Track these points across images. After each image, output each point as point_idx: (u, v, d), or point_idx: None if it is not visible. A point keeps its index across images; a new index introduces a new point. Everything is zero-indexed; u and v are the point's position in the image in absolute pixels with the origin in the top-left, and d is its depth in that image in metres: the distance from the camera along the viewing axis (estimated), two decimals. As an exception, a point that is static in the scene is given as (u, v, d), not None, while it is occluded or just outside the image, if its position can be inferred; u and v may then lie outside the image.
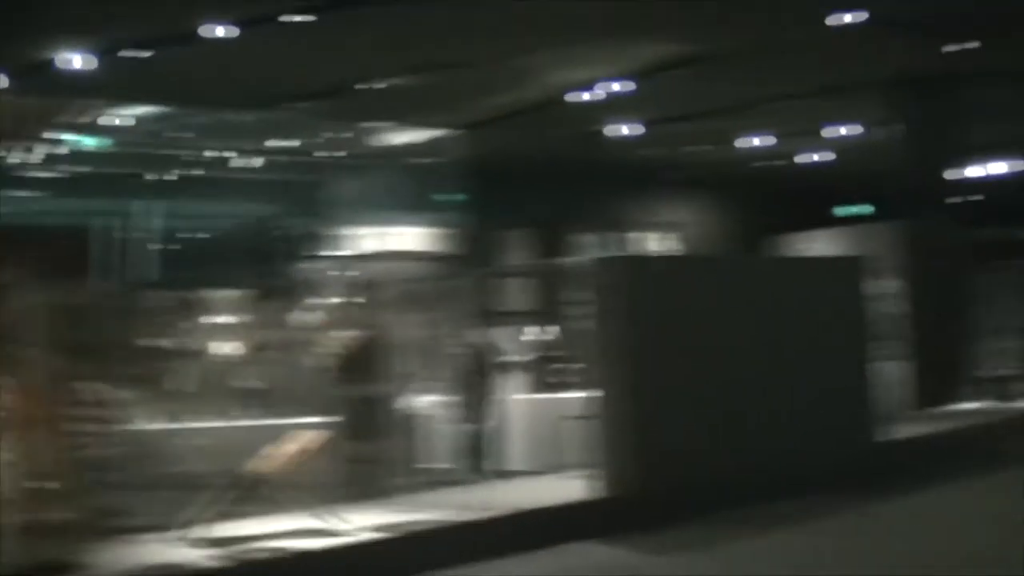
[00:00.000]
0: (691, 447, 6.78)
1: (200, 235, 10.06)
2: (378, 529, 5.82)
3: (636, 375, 6.63)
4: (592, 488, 6.59)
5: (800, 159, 17.77)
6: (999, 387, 10.57)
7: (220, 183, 9.89)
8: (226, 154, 9.97)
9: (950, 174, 12.52)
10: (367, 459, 6.95)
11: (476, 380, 8.41)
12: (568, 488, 6.75)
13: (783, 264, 9.38)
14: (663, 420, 6.69)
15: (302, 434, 6.37)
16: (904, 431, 8.43)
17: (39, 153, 8.89)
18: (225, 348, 7.84)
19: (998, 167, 17.60)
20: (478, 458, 8.06)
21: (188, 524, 5.75)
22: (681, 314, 6.87)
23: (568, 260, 14.94)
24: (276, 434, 6.33)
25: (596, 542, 6.09)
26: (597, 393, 6.75)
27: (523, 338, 9.27)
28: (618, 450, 6.55)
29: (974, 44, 11.07)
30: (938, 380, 10.94)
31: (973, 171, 16.92)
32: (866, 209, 21.21)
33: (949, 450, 8.56)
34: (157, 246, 9.33)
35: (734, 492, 6.71)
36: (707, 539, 6.10)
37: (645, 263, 8.89)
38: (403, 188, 10.45)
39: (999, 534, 6.34)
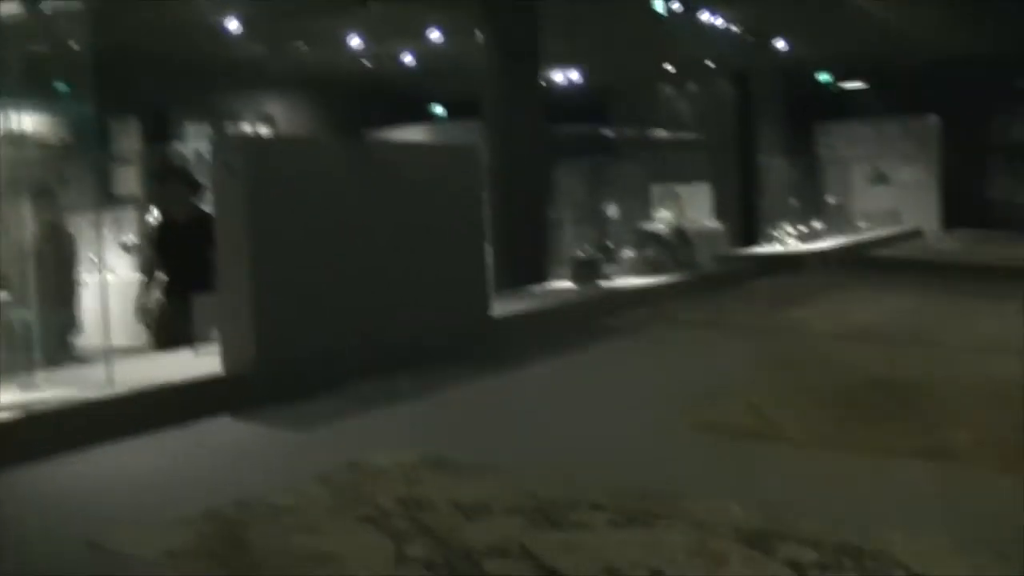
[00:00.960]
0: (313, 325, 7.11)
1: None
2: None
3: (254, 255, 6.79)
4: (215, 365, 6.83)
5: (396, 60, 18.64)
6: (582, 269, 11.87)
7: None
8: None
9: (535, 78, 13.51)
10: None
11: (65, 263, 8.71)
12: (190, 366, 6.93)
13: (403, 150, 9.95)
14: (283, 297, 6.94)
15: None
16: (508, 309, 9.42)
17: None
18: None
19: (573, 74, 19.90)
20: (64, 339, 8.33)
21: None
22: (299, 195, 7.10)
23: (178, 146, 15.04)
24: None
25: (226, 418, 6.38)
26: (219, 273, 6.91)
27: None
28: (239, 328, 6.76)
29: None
30: (529, 262, 12.00)
31: (554, 76, 18.97)
32: (442, 110, 22.63)
33: (549, 325, 9.71)
34: None
35: (356, 368, 7.17)
36: (334, 411, 6.54)
37: (262, 144, 9.14)
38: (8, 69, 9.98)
39: (604, 393, 7.52)
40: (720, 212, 17.93)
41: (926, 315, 11.75)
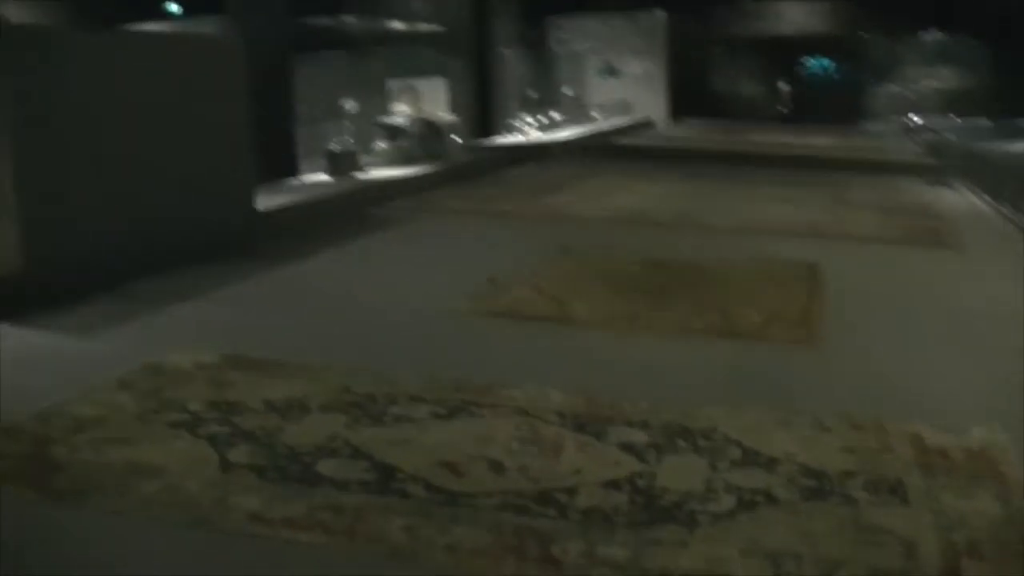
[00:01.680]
0: (81, 223, 6.62)
1: None
2: None
3: (15, 148, 6.19)
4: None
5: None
6: (338, 161, 11.47)
7: None
8: None
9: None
10: None
11: None
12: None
13: (156, 40, 9.17)
14: (48, 194, 6.40)
15: None
16: (271, 203, 8.93)
17: None
18: None
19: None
20: None
21: None
22: (59, 86, 6.51)
23: None
24: None
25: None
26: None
27: None
28: (3, 227, 6.19)
29: None
30: (278, 157, 11.51)
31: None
32: (177, 7, 21.36)
33: (316, 217, 9.29)
34: None
35: (128, 267, 6.71)
36: (115, 313, 6.02)
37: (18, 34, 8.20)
38: None
39: (391, 284, 7.24)
40: (457, 105, 17.71)
41: (684, 200, 12.05)
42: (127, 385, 4.61)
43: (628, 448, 4.06)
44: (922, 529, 3.40)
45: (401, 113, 14.37)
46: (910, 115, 29.15)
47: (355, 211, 9.91)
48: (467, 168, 13.73)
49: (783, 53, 31.77)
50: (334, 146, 11.87)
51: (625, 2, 27.18)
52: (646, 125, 25.66)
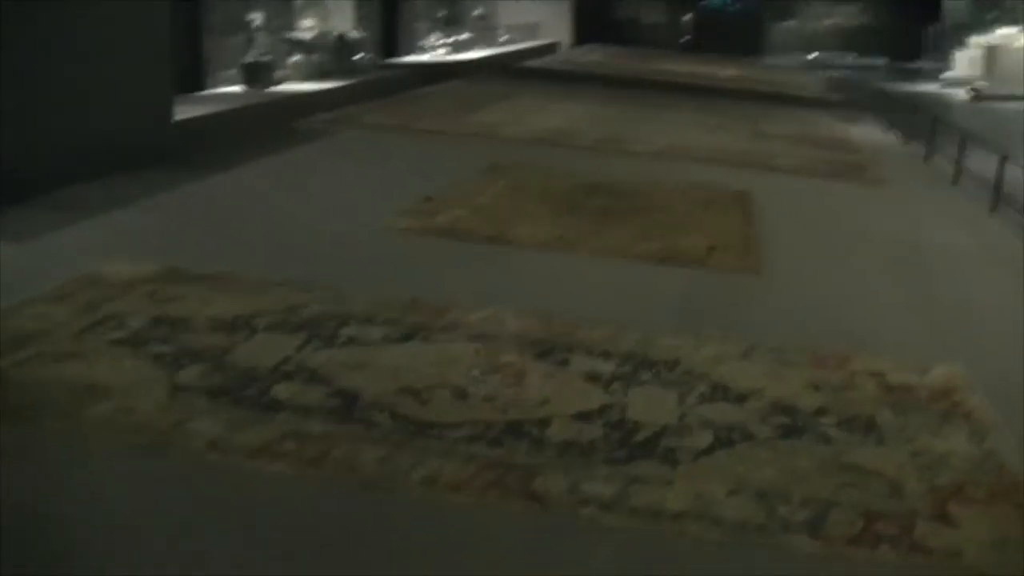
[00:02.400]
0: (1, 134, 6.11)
1: None
2: None
3: None
4: None
5: None
6: (253, 73, 11.01)
7: None
8: None
9: None
10: None
11: None
12: None
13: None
14: None
15: None
16: (188, 113, 8.44)
17: None
18: None
19: None
20: None
21: None
22: None
23: None
24: None
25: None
26: None
27: None
28: None
29: None
30: (190, 69, 11.01)
31: None
32: None
33: (235, 129, 8.85)
34: None
35: (52, 175, 6.30)
36: (44, 222, 5.61)
37: None
38: None
39: (320, 198, 6.95)
40: (366, 21, 17.17)
41: (606, 124, 11.89)
42: (65, 297, 4.30)
43: (594, 379, 3.92)
44: (905, 470, 3.34)
45: (309, 28, 13.83)
46: (810, 51, 29.45)
47: (276, 124, 9.49)
48: (383, 84, 13.31)
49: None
50: (249, 58, 11.38)
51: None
52: (550, 48, 25.35)
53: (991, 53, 20.32)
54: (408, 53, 17.75)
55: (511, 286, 5.16)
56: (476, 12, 24.08)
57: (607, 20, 31.19)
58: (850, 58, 28.57)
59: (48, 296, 4.29)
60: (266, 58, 11.37)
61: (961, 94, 18.86)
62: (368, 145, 9.26)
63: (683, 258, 5.97)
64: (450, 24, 21.13)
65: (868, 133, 13.16)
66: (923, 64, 25.51)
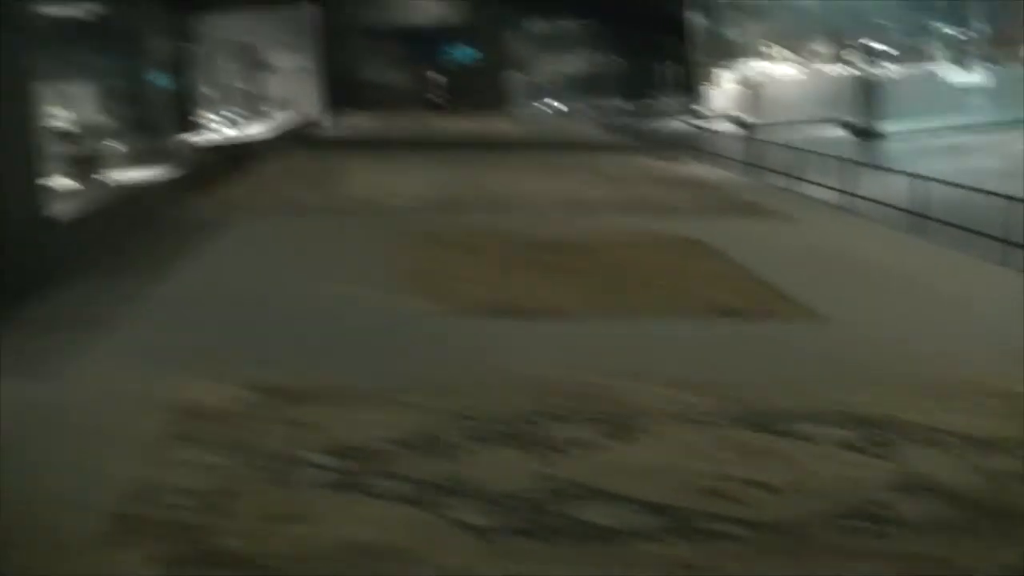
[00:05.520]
0: None
1: None
2: None
3: None
4: None
5: None
6: (80, 166, 10.01)
7: None
8: None
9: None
10: None
11: None
12: None
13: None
14: None
15: None
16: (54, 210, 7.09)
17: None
18: None
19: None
20: None
21: None
22: None
23: None
24: None
25: None
26: None
27: None
28: None
29: None
30: None
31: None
32: None
33: (116, 224, 7.70)
34: None
35: None
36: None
37: None
38: None
39: (283, 293, 6.11)
40: (111, 107, 15.77)
41: (458, 183, 11.37)
42: (190, 438, 3.41)
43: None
44: None
45: (62, 118, 12.36)
46: (546, 99, 30.12)
47: (155, 214, 8.37)
48: (211, 167, 12.18)
49: (425, 43, 31.57)
50: (68, 149, 10.30)
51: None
52: (319, 119, 24.60)
53: (752, 87, 21.24)
54: (191, 132, 16.79)
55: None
56: (241, 86, 23.50)
57: (357, 86, 30.57)
58: (600, 103, 29.11)
59: (167, 440, 3.41)
60: (89, 147, 10.32)
61: (730, 127, 19.40)
62: (276, 232, 8.31)
63: (640, 310, 5.58)
64: (222, 101, 20.60)
65: (695, 169, 13.28)
66: (666, 101, 26.27)
